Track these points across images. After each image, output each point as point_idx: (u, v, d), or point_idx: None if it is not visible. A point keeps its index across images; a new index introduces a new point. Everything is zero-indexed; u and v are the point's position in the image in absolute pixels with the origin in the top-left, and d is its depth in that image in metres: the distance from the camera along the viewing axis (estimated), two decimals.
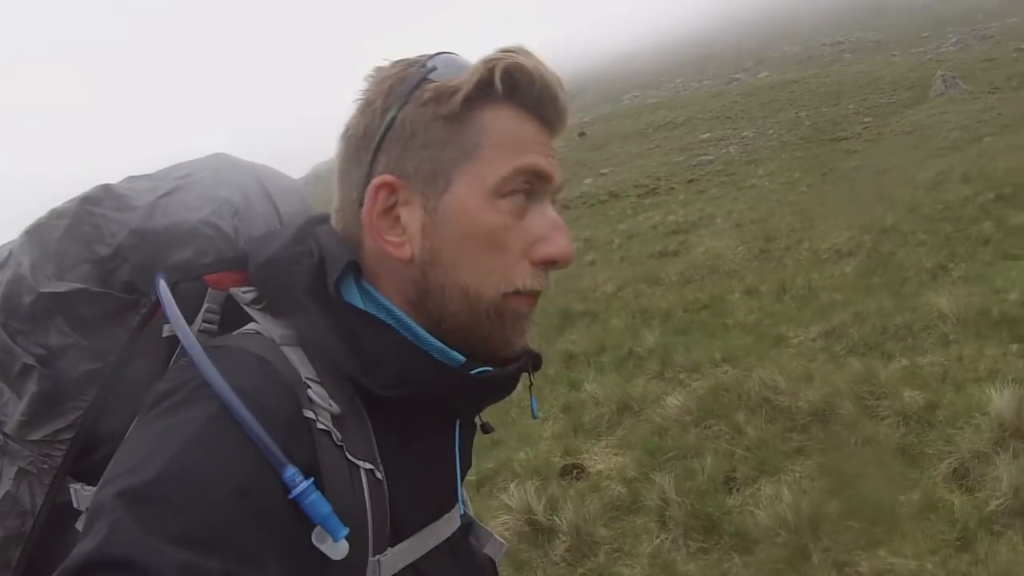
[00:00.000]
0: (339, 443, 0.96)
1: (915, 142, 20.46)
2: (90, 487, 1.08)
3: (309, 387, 0.98)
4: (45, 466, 1.13)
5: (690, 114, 32.35)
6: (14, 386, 1.14)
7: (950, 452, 4.98)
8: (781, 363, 7.09)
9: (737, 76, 37.43)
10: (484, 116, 1.04)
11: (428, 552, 1.09)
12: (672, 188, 23.96)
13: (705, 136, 28.40)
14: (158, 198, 1.16)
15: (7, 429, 1.15)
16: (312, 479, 0.90)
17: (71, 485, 1.12)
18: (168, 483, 0.84)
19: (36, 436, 1.12)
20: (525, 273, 1.06)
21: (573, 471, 6.12)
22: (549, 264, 1.07)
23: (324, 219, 1.17)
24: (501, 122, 1.05)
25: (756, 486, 5.15)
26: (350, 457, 0.97)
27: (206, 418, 0.89)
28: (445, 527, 1.14)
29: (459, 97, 1.02)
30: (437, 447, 1.13)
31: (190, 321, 1.07)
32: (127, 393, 1.07)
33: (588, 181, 27.38)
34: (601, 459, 6.33)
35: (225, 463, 0.87)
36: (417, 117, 1.04)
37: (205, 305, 1.12)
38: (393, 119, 1.05)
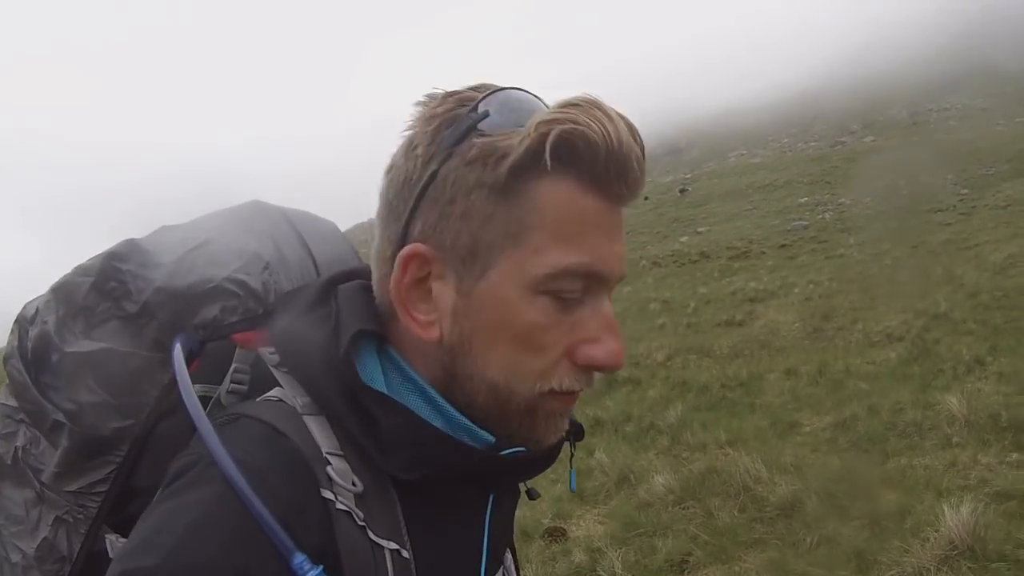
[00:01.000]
0: (361, 523, 0.93)
1: (1006, 217, 20.09)
2: (124, 539, 1.08)
3: (329, 463, 0.93)
4: (81, 516, 1.12)
5: (791, 176, 32.14)
6: (48, 437, 1.12)
7: (898, 564, 5.02)
8: (778, 451, 7.26)
9: (843, 139, 37.06)
10: (536, 190, 0.92)
11: None
12: (763, 252, 23.94)
13: (803, 200, 28.27)
14: (185, 253, 1.14)
15: (44, 478, 1.13)
16: (321, 566, 0.86)
17: (107, 535, 1.12)
18: (169, 568, 0.82)
19: (71, 488, 1.11)
20: (564, 373, 0.97)
21: (555, 533, 6.44)
22: (594, 368, 0.98)
23: (352, 274, 1.12)
24: (554, 201, 0.93)
25: (705, 572, 5.34)
26: (373, 537, 0.93)
27: (211, 501, 0.86)
28: None
29: (505, 167, 0.91)
30: (469, 519, 1.07)
31: (219, 381, 1.08)
32: (160, 449, 1.06)
33: (684, 239, 27.53)
34: (584, 526, 6.63)
35: (228, 550, 0.84)
36: (460, 178, 0.94)
37: (234, 365, 1.09)
38: (435, 174, 0.95)
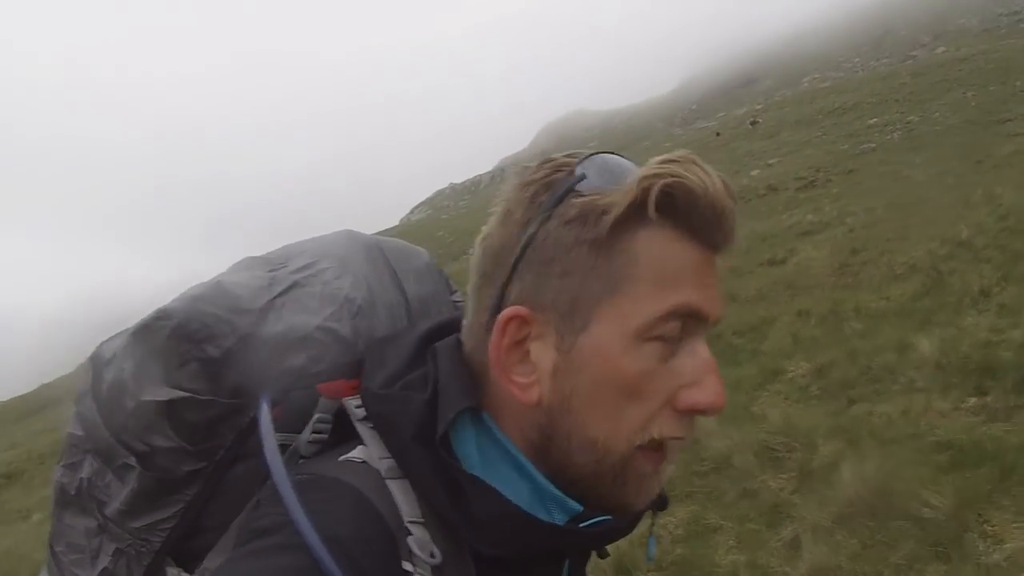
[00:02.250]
0: None
1: None
2: (186, 574, 1.10)
3: (410, 533, 0.93)
4: (143, 549, 1.11)
5: (859, 98, 31.08)
6: (116, 473, 1.11)
7: (802, 519, 5.17)
8: (748, 401, 7.44)
9: (914, 53, 35.65)
10: (636, 242, 0.94)
11: None
12: (830, 180, 23.33)
13: (872, 121, 27.38)
14: (273, 298, 1.12)
15: (108, 512, 1.13)
16: None
17: (169, 568, 1.12)
18: None
19: (136, 524, 1.11)
20: (665, 421, 0.96)
21: None
22: (696, 413, 0.98)
23: (447, 327, 1.12)
24: (654, 250, 0.94)
25: None
26: None
27: (295, 572, 0.85)
28: None
29: (608, 221, 0.93)
30: None
31: (298, 429, 1.06)
32: (231, 491, 1.06)
33: (755, 173, 27.03)
34: None
35: None
36: (559, 238, 0.95)
37: (316, 415, 1.06)
38: (533, 236, 0.96)
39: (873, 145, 25.01)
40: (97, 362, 1.16)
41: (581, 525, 1.00)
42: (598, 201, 0.93)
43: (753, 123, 32.57)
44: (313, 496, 0.91)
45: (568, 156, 1.01)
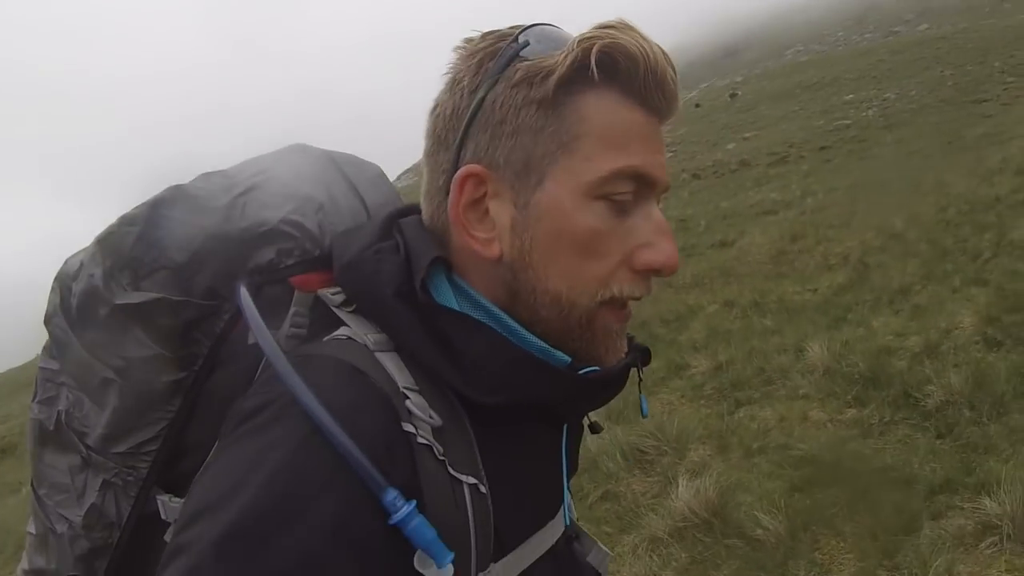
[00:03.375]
0: (440, 457, 0.92)
1: None
2: (177, 499, 1.07)
3: (408, 397, 0.93)
4: (131, 478, 1.09)
5: (837, 73, 30.81)
6: (94, 397, 1.10)
7: (644, 528, 5.09)
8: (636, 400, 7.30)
9: (896, 29, 35.24)
10: (584, 103, 0.97)
11: (531, 563, 1.04)
12: (802, 156, 23.23)
13: (848, 97, 27.19)
14: (235, 197, 1.11)
15: (90, 441, 1.11)
16: (414, 501, 0.85)
17: (158, 496, 1.10)
18: (256, 517, 0.80)
19: (120, 449, 1.09)
20: (624, 279, 0.99)
21: None
22: (652, 272, 1.01)
23: (410, 210, 1.13)
24: (602, 111, 0.97)
25: None
26: (452, 472, 0.92)
27: (296, 440, 0.84)
28: (548, 536, 1.09)
29: (552, 80, 0.95)
30: (543, 452, 1.08)
31: (277, 326, 1.05)
32: (213, 402, 1.04)
33: (731, 146, 26.91)
34: None
35: (318, 491, 0.82)
36: (508, 100, 0.98)
37: (292, 308, 1.07)
38: (482, 100, 0.99)
39: (848, 122, 24.88)
40: (64, 279, 1.14)
41: (580, 372, 1.00)
42: (542, 63, 0.96)
43: (732, 95, 32.29)
44: (305, 371, 0.89)
45: (511, 28, 1.02)
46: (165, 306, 1.05)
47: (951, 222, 11.07)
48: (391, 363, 0.96)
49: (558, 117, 0.96)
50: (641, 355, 1.12)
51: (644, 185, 0.99)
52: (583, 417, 1.17)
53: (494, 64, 0.99)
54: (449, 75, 1.04)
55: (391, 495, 0.83)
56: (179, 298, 1.05)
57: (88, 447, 1.11)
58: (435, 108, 1.04)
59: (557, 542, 1.10)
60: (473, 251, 1.01)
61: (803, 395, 6.83)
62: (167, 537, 1.03)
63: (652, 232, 0.99)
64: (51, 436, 1.16)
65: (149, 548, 1.07)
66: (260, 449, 0.84)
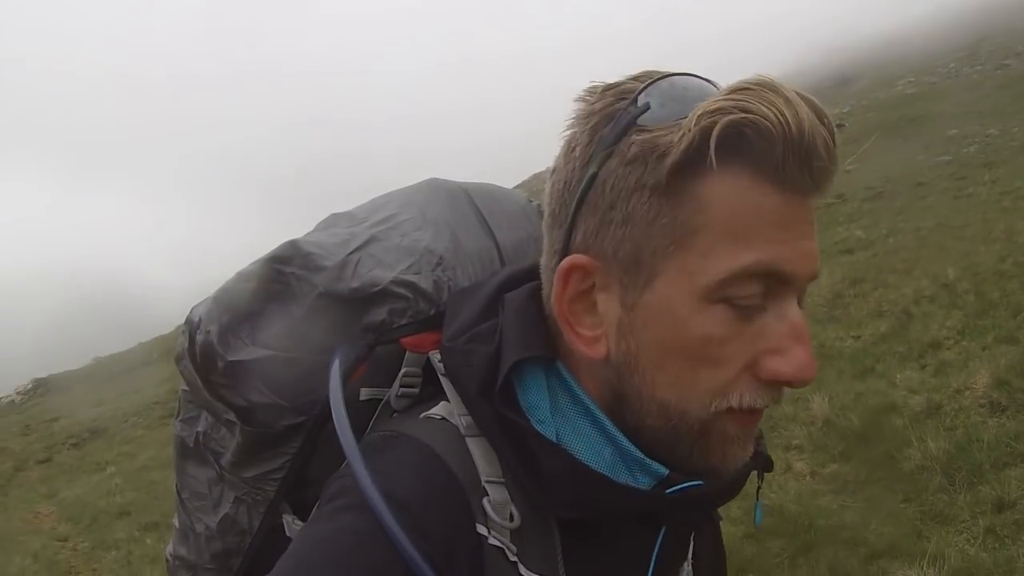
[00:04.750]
0: (513, 559, 0.89)
1: None
2: (300, 521, 1.12)
3: (487, 494, 0.90)
4: (259, 498, 1.14)
5: (944, 107, 29.89)
6: (227, 426, 1.14)
7: None
8: None
9: (1007, 62, 33.97)
10: (705, 188, 0.85)
11: None
12: (898, 192, 22.73)
13: (952, 132, 26.34)
14: (348, 254, 1.10)
15: (223, 462, 1.17)
16: None
17: (284, 515, 1.15)
18: None
19: (248, 475, 1.14)
20: (745, 389, 0.89)
21: None
22: (779, 383, 0.90)
23: (525, 274, 1.07)
24: (726, 198, 0.85)
25: None
26: (524, 572, 0.90)
27: (355, 533, 0.85)
28: None
29: (667, 164, 0.84)
30: (635, 553, 1.00)
31: (389, 384, 1.06)
32: (334, 443, 1.02)
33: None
34: None
35: None
36: (619, 181, 0.88)
37: (403, 369, 1.06)
38: (594, 176, 0.89)
39: (948, 158, 24.18)
40: (191, 325, 1.16)
41: (668, 491, 0.93)
42: (659, 139, 0.86)
43: (839, 126, 31.49)
44: (382, 455, 0.91)
45: (634, 79, 0.92)
46: (280, 362, 1.08)
47: (1005, 273, 10.84)
48: (479, 450, 0.93)
49: (673, 206, 0.86)
50: (762, 463, 1.04)
51: (778, 283, 0.87)
52: (696, 521, 1.09)
53: (609, 131, 0.89)
54: (565, 137, 0.96)
55: None
56: (291, 355, 1.08)
57: (221, 467, 1.18)
58: (552, 173, 0.97)
59: None
60: (579, 348, 0.94)
61: (796, 445, 7.04)
62: None
63: (785, 336, 0.88)
64: (191, 452, 1.23)
65: (278, 554, 1.04)
66: (324, 537, 0.87)
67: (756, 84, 0.83)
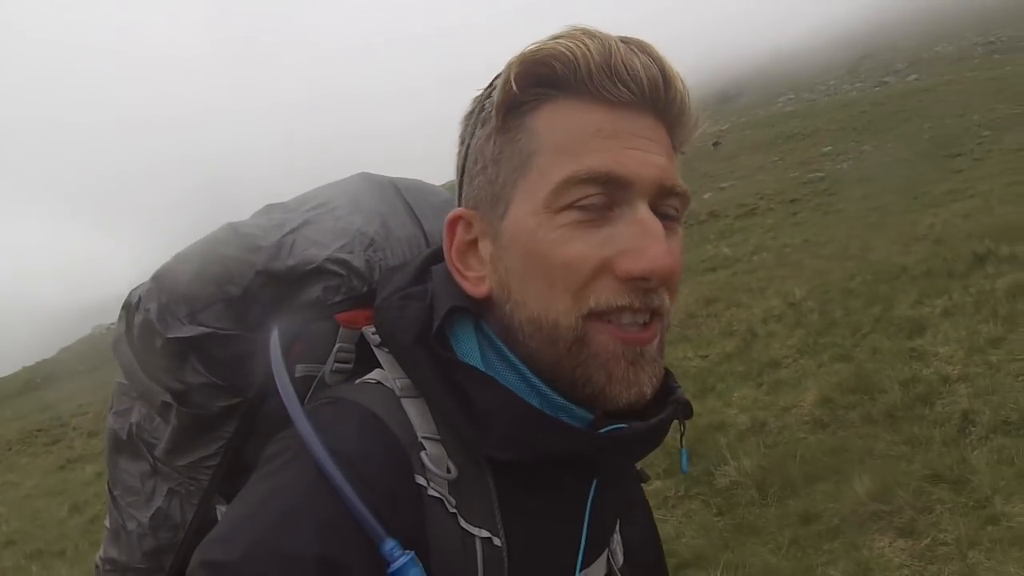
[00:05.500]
0: (452, 510, 0.92)
1: (1015, 163, 18.65)
2: None
3: (424, 448, 0.93)
4: (193, 487, 1.16)
5: (819, 124, 30.70)
6: (160, 414, 1.16)
7: None
8: None
9: (886, 79, 34.99)
10: (533, 119, 0.95)
11: None
12: (771, 209, 23.00)
13: (826, 150, 26.94)
14: (284, 235, 1.13)
15: (157, 452, 1.18)
16: (413, 552, 0.86)
17: (218, 506, 1.16)
18: (257, 558, 0.82)
19: (182, 462, 1.15)
20: (603, 290, 0.92)
21: None
22: (636, 280, 0.92)
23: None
24: (553, 122, 0.94)
25: None
26: (464, 525, 0.92)
27: (302, 486, 0.87)
28: None
29: (494, 107, 0.95)
30: (569, 506, 1.03)
31: (324, 360, 1.09)
32: (269, 426, 1.05)
33: (707, 196, 26.64)
34: None
35: (316, 535, 0.84)
36: (476, 140, 1.00)
37: (337, 344, 1.09)
38: (468, 148, 1.02)
39: (822, 174, 24.70)
40: (128, 308, 1.18)
41: (601, 431, 0.96)
42: (487, 93, 0.98)
43: (715, 144, 32.01)
44: (325, 417, 0.93)
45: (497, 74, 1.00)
46: (217, 339, 1.09)
47: (852, 291, 10.96)
48: (415, 410, 0.96)
49: (510, 140, 0.96)
50: (683, 408, 1.06)
51: (618, 187, 0.92)
52: (624, 468, 1.14)
53: (473, 114, 1.02)
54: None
55: (389, 545, 0.85)
56: (230, 332, 1.09)
57: (155, 457, 1.19)
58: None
59: None
60: (470, 292, 1.00)
61: None
62: None
63: (635, 236, 0.91)
64: (124, 445, 1.24)
65: None
66: (268, 492, 0.88)
67: (575, 29, 0.93)
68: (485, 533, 0.92)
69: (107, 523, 1.30)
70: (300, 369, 1.08)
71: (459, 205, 1.03)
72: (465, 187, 1.02)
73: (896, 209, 17.94)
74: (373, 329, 1.04)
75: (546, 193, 0.92)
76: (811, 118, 32.26)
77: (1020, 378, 6.71)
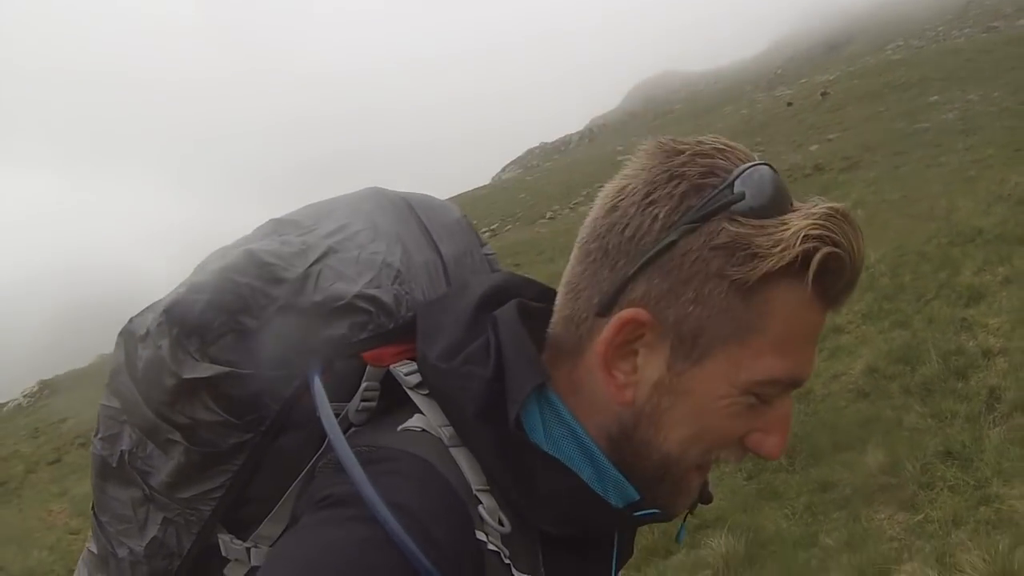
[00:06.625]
0: (507, 561, 0.94)
1: None
2: (238, 540, 1.09)
3: (480, 502, 0.93)
4: (193, 518, 1.10)
5: (925, 73, 29.56)
6: (160, 446, 1.09)
7: None
8: None
9: (995, 24, 33.59)
10: (776, 296, 0.92)
11: None
12: (875, 161, 22.71)
13: (933, 99, 26.20)
14: (309, 266, 1.08)
15: (153, 483, 1.11)
16: None
17: (220, 535, 1.10)
18: None
19: (184, 495, 1.09)
20: (731, 451, 1.01)
21: None
22: (756, 455, 1.01)
23: (504, 290, 1.09)
24: (789, 310, 0.93)
25: None
26: (516, 573, 0.94)
27: (372, 543, 0.84)
28: None
29: (759, 271, 0.90)
30: (599, 554, 1.09)
31: (345, 398, 1.05)
32: (280, 461, 1.04)
33: (814, 148, 26.41)
34: None
35: None
36: (701, 261, 0.92)
37: (364, 384, 1.05)
38: (673, 244, 0.93)
39: (927, 125, 24.12)
40: (129, 339, 1.12)
41: (636, 514, 1.03)
42: (753, 238, 0.91)
43: (823, 94, 31.61)
44: (379, 468, 0.91)
45: (722, 155, 0.97)
46: (234, 379, 1.03)
47: (926, 255, 10.97)
48: (465, 460, 0.96)
49: (746, 306, 0.92)
50: (704, 497, 1.10)
51: (792, 387, 0.98)
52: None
53: (698, 203, 0.93)
54: (641, 183, 0.97)
55: None
56: (248, 371, 1.03)
57: (151, 487, 1.11)
58: (613, 209, 0.99)
59: None
60: (604, 388, 0.99)
61: None
62: (227, 571, 1.10)
63: (775, 420, 0.98)
64: (113, 472, 1.15)
65: (209, 574, 1.09)
66: (334, 542, 0.86)
67: (838, 213, 0.91)
68: None
69: (93, 548, 1.24)
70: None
71: (619, 285, 0.96)
72: (650, 285, 0.95)
73: (995, 163, 17.62)
74: (407, 369, 1.02)
75: (750, 379, 0.94)
76: (917, 66, 31.10)
77: None
